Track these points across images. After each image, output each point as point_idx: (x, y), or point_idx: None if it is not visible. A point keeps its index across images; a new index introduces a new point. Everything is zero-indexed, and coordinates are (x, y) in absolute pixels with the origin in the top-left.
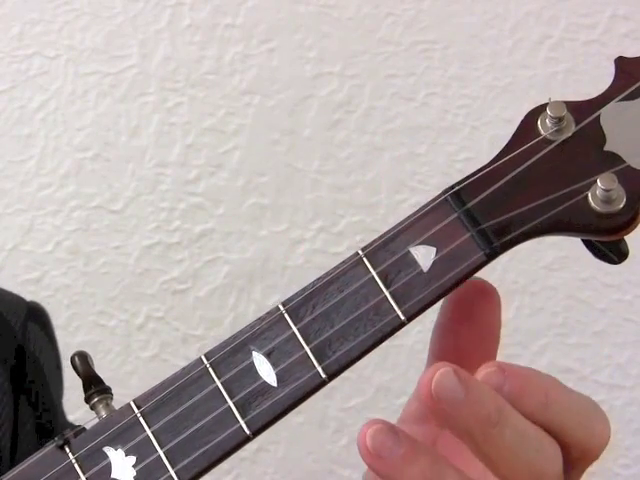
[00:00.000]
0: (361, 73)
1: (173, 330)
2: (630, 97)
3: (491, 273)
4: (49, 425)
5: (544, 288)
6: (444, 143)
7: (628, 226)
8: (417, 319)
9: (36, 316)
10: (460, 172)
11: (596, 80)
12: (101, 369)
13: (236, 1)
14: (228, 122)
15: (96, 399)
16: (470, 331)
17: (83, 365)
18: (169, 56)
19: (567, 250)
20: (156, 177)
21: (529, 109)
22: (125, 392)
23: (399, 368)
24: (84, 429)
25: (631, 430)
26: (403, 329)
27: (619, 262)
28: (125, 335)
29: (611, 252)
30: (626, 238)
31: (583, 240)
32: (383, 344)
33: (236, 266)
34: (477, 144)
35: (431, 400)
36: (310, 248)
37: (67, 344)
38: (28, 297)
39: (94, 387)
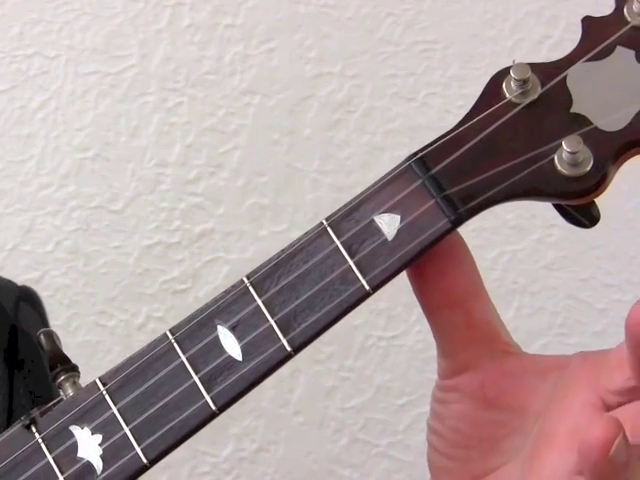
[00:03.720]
0: (361, 73)
1: None
2: (597, 57)
3: (491, 273)
4: (43, 401)
5: (544, 288)
6: None
7: (596, 189)
8: (418, 320)
9: (28, 297)
10: None
11: None
12: (101, 369)
13: (236, 1)
14: (228, 122)
15: (62, 377)
16: (450, 274)
17: (49, 343)
18: (169, 56)
19: (567, 250)
20: (156, 177)
21: None
22: None
23: (399, 368)
24: (51, 408)
25: None
26: (403, 328)
27: (590, 226)
28: (125, 335)
29: (582, 216)
30: (626, 237)
31: (554, 205)
32: (382, 343)
33: (236, 266)
34: None
35: None
36: None
37: (67, 344)
38: None
39: (60, 365)
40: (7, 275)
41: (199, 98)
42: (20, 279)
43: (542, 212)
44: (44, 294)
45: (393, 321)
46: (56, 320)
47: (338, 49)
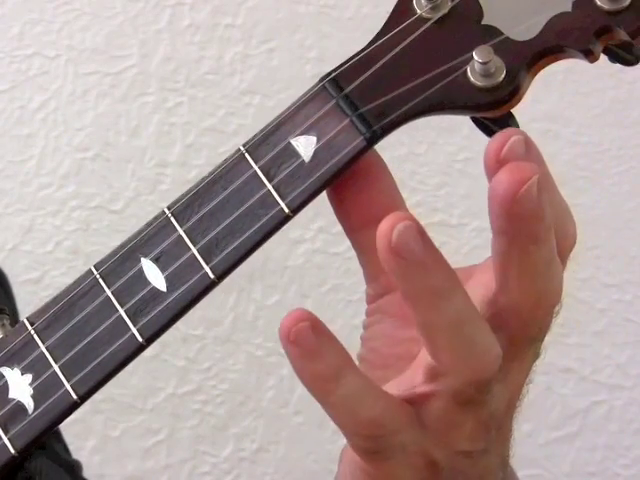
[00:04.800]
0: None
1: (173, 330)
2: None
3: None
4: None
5: None
6: (444, 143)
7: (511, 99)
8: None
9: None
10: (460, 172)
11: (595, 78)
12: None
13: (236, 1)
14: (228, 122)
15: None
16: (366, 191)
17: None
18: (169, 56)
19: None
20: (156, 177)
21: (530, 109)
22: (126, 392)
23: None
24: None
25: (631, 430)
26: None
27: None
28: None
29: (501, 129)
30: (626, 237)
31: (472, 119)
32: None
33: None
34: (477, 144)
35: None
36: (310, 248)
37: None
38: (28, 297)
39: None
40: (7, 275)
41: (199, 98)
42: (20, 279)
43: None
44: (44, 294)
45: None
46: None
47: (338, 49)
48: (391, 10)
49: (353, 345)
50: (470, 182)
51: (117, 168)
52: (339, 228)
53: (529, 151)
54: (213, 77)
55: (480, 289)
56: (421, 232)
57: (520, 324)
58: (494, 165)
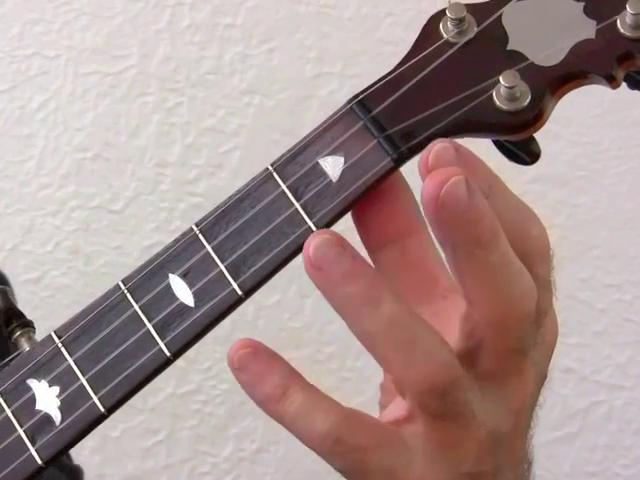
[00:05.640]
0: (361, 73)
1: None
2: None
3: None
4: None
5: None
6: None
7: (535, 122)
8: None
9: None
10: None
11: None
12: None
13: (236, 1)
14: (228, 122)
15: (18, 333)
16: (385, 211)
17: (3, 300)
18: (169, 56)
19: (567, 250)
20: (156, 177)
21: None
22: None
23: None
24: (7, 363)
25: (631, 430)
26: None
27: (531, 163)
28: None
29: (524, 153)
30: (626, 237)
31: (494, 142)
32: None
33: None
34: (477, 144)
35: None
36: None
37: None
38: (28, 297)
39: (15, 321)
40: (7, 275)
41: (199, 98)
42: (20, 279)
43: (542, 212)
44: (44, 294)
45: None
46: (56, 320)
47: (338, 49)
48: (418, 34)
49: (353, 345)
50: None
51: (117, 168)
52: (339, 228)
53: (460, 156)
54: (213, 77)
55: (461, 307)
56: (340, 244)
57: (497, 335)
58: (424, 173)
